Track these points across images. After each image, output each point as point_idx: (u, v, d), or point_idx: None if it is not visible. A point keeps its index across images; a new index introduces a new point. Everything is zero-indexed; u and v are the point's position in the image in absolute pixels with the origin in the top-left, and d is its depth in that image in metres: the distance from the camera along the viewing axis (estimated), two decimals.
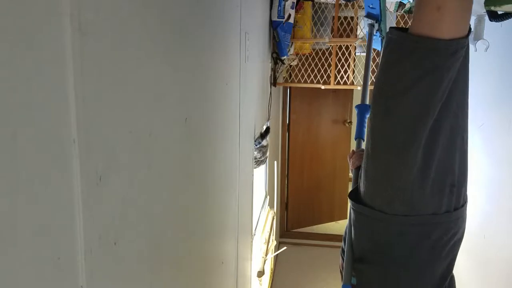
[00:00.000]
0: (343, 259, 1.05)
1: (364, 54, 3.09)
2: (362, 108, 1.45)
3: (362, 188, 0.90)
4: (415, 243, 0.86)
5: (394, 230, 0.86)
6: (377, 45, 1.79)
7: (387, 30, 0.83)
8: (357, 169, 1.24)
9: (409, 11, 1.98)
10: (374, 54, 2.93)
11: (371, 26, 1.69)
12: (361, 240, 0.95)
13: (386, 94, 0.81)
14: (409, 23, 2.04)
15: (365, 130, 1.45)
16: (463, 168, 0.86)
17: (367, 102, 1.48)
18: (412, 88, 0.75)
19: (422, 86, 0.75)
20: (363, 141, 1.44)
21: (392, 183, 0.83)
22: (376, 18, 1.65)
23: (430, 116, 0.77)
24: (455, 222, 0.87)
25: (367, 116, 1.44)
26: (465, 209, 0.90)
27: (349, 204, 0.98)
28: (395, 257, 0.88)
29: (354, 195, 0.94)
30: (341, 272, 1.10)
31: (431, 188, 0.82)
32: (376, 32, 1.71)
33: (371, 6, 1.62)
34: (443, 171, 0.82)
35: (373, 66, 3.12)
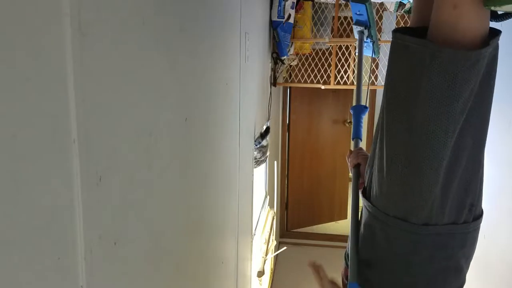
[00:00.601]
0: (347, 265, 0.98)
1: (364, 54, 3.09)
2: (357, 109, 1.45)
3: (374, 192, 0.85)
4: (431, 253, 0.81)
5: (409, 238, 0.81)
6: (368, 51, 1.79)
7: (390, 32, 0.80)
8: (356, 167, 1.24)
9: (409, 11, 1.98)
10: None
11: (361, 33, 1.69)
12: (372, 243, 0.89)
13: (402, 106, 0.76)
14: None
15: (361, 130, 1.46)
16: (482, 185, 0.82)
17: (362, 102, 1.49)
18: (431, 101, 0.70)
19: (441, 99, 0.70)
20: (360, 140, 1.43)
21: (409, 202, 0.78)
22: (365, 24, 1.66)
23: (450, 131, 0.71)
24: (472, 233, 0.83)
25: (363, 116, 1.45)
26: (480, 222, 0.85)
27: (362, 201, 0.93)
28: (410, 266, 0.83)
29: (368, 193, 0.88)
30: (343, 280, 1.04)
31: (449, 207, 0.78)
32: (367, 39, 1.72)
33: (358, 13, 1.64)
34: (464, 191, 0.78)
35: (366, 66, 3.11)
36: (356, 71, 1.64)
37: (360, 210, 1.00)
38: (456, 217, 0.79)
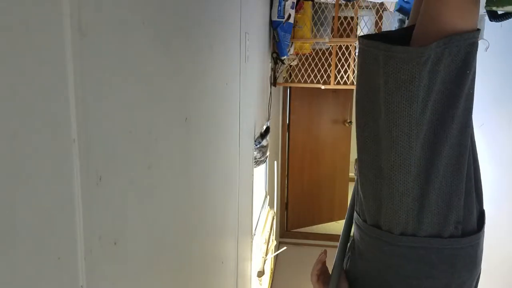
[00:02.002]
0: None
1: None
2: None
3: (357, 200, 0.84)
4: (413, 269, 0.74)
5: (388, 249, 0.75)
6: None
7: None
8: None
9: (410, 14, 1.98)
10: None
11: (402, 21, 1.52)
12: (359, 254, 0.85)
13: (367, 115, 0.74)
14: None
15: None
16: (471, 199, 0.73)
17: None
18: (390, 104, 0.68)
19: (399, 101, 0.67)
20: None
21: (382, 212, 0.74)
22: (409, 13, 1.55)
23: (413, 135, 0.68)
24: (465, 250, 0.73)
25: None
26: (481, 236, 0.75)
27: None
28: (391, 280, 0.77)
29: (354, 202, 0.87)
30: None
31: (429, 220, 0.71)
32: None
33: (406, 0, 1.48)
34: (445, 205, 0.71)
35: None
36: None
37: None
38: (439, 230, 0.72)
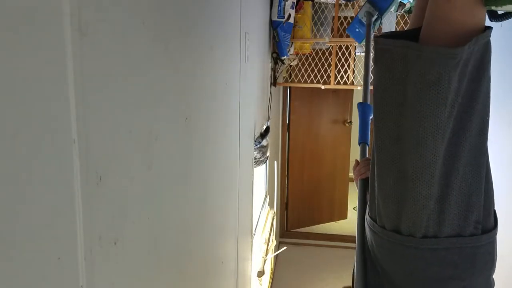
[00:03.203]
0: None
1: (358, 54, 3.09)
2: (365, 108, 1.29)
3: (372, 206, 0.81)
4: (437, 271, 0.74)
5: (409, 253, 0.74)
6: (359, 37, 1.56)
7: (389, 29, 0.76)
8: (365, 180, 1.09)
9: (409, 11, 1.97)
10: None
11: (369, 14, 1.45)
12: (376, 261, 0.82)
13: (389, 116, 0.72)
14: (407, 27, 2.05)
15: (369, 133, 1.28)
16: (490, 199, 0.74)
17: (369, 101, 1.34)
18: (417, 105, 0.66)
19: (426, 103, 0.65)
20: (368, 146, 1.27)
21: (403, 218, 0.73)
22: (379, 10, 1.44)
23: (439, 138, 0.66)
24: (485, 248, 0.74)
25: (371, 117, 1.27)
26: (495, 234, 0.76)
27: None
28: (416, 285, 0.76)
29: (368, 207, 0.84)
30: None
31: (449, 222, 0.71)
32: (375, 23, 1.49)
33: None
34: (465, 205, 0.71)
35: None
36: (364, 61, 1.39)
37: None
38: (459, 231, 0.72)
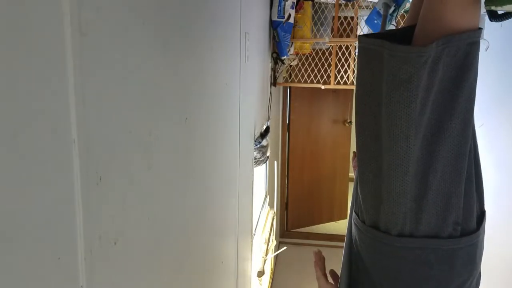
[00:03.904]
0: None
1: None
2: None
3: (356, 201, 0.83)
4: (411, 269, 0.73)
5: (385, 249, 0.75)
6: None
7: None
8: None
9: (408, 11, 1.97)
10: None
11: (386, 5, 1.42)
12: (358, 255, 0.83)
13: (368, 113, 0.73)
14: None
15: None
16: (471, 200, 0.72)
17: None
18: (390, 104, 0.67)
19: (399, 101, 0.66)
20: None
21: (380, 212, 0.74)
22: (397, 1, 1.40)
23: (411, 135, 0.67)
24: (465, 250, 0.72)
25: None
26: (480, 235, 0.74)
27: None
28: (390, 283, 0.76)
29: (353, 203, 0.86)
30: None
31: (426, 221, 0.71)
32: (391, 16, 1.44)
33: None
34: (444, 205, 0.70)
35: None
36: None
37: None
38: (437, 231, 0.71)
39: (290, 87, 3.78)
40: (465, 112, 0.69)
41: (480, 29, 0.66)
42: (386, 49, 0.67)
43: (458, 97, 0.68)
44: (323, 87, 2.94)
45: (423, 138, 0.69)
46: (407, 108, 0.66)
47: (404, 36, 0.72)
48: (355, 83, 0.79)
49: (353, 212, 0.85)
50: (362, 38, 0.73)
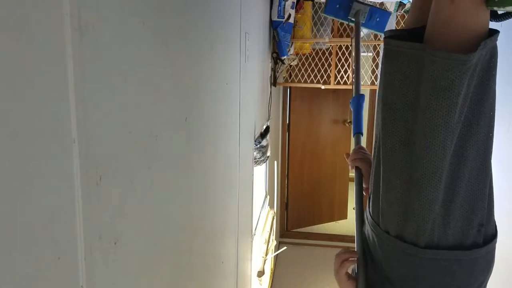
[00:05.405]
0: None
1: (365, 54, 3.09)
2: (360, 100, 1.31)
3: (374, 208, 0.80)
4: (433, 279, 0.73)
5: (410, 261, 0.74)
6: (379, 26, 1.59)
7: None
8: (358, 170, 1.10)
9: (409, 11, 1.97)
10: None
11: (358, 13, 1.49)
12: (375, 264, 0.82)
13: (399, 119, 0.71)
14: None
15: (362, 122, 1.31)
16: (491, 203, 0.74)
17: (360, 92, 1.36)
18: (427, 111, 0.65)
19: (437, 109, 0.64)
20: (362, 135, 1.29)
21: (409, 221, 0.72)
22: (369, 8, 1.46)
23: (448, 143, 0.66)
24: (484, 257, 0.74)
25: (363, 105, 1.32)
26: (495, 243, 0.77)
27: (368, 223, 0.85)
28: None
29: (370, 208, 0.83)
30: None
31: (453, 227, 0.71)
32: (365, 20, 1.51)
33: None
34: (469, 208, 0.70)
35: (366, 65, 3.11)
36: (353, 54, 1.41)
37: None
38: (462, 239, 0.72)
39: (290, 87, 3.78)
40: (489, 114, 0.69)
41: (498, 30, 0.67)
42: (427, 54, 0.65)
43: (484, 101, 0.68)
44: (323, 87, 2.94)
45: (455, 144, 0.68)
46: (446, 116, 0.65)
47: (413, 37, 0.70)
48: (378, 86, 0.76)
49: (370, 217, 0.82)
50: (393, 41, 0.70)
